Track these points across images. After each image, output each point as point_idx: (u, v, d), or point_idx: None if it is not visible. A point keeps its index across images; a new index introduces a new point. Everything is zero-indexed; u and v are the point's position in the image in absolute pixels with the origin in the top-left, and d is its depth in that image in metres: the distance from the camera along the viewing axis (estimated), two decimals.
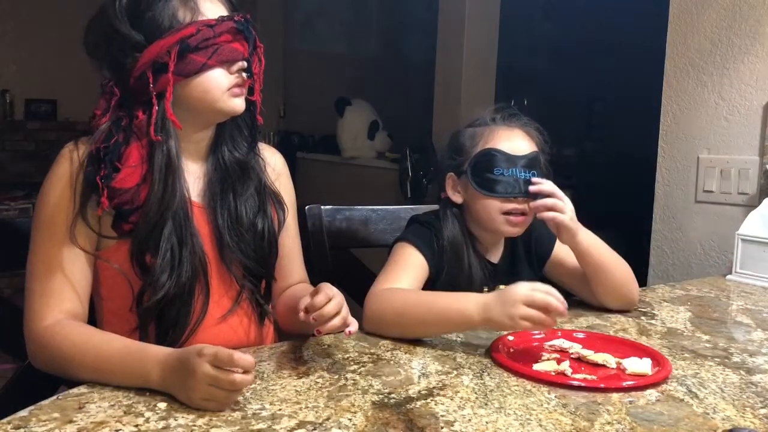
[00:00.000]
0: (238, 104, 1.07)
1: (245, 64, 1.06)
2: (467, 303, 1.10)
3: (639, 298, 1.39)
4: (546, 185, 1.25)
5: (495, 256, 1.36)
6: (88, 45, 1.06)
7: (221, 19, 1.03)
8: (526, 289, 1.04)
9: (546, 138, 1.32)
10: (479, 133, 1.30)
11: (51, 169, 1.04)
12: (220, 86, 1.04)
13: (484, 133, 1.29)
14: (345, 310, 0.99)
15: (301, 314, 0.97)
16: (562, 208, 1.24)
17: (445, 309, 1.12)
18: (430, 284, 1.28)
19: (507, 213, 1.26)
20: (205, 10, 1.04)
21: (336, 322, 0.97)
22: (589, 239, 1.29)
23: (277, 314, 1.21)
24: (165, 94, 1.02)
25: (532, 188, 1.25)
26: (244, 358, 0.83)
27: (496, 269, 1.35)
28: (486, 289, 1.33)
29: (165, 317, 1.04)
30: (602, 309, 1.36)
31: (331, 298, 0.97)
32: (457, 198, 1.32)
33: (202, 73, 1.03)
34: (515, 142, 1.27)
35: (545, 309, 1.02)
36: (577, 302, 1.39)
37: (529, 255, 1.39)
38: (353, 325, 1.01)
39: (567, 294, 1.31)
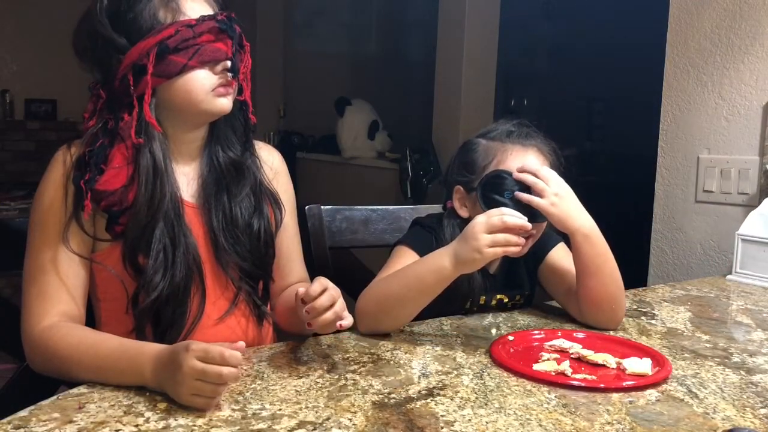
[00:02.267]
0: (224, 104, 1.06)
1: (229, 63, 1.04)
2: (436, 260, 1.12)
3: (623, 318, 1.26)
4: (531, 167, 1.20)
5: (493, 267, 1.36)
6: (77, 47, 1.06)
7: (202, 19, 1.02)
8: (482, 219, 1.08)
9: (561, 159, 1.30)
10: (492, 149, 1.28)
11: (45, 172, 1.04)
12: (204, 87, 1.03)
13: (498, 152, 1.27)
14: (339, 305, 0.99)
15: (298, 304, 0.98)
16: (540, 190, 1.18)
17: (418, 275, 1.13)
18: None
19: None
20: (188, 10, 1.03)
21: (328, 315, 0.98)
22: (589, 233, 1.20)
23: (277, 314, 1.21)
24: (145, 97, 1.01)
25: (517, 168, 1.21)
26: (234, 355, 0.83)
27: (493, 279, 1.35)
28: (483, 299, 1.33)
29: (161, 318, 1.04)
30: None
31: (326, 288, 0.97)
32: (463, 213, 1.30)
33: (183, 74, 1.02)
34: (528, 163, 1.23)
35: (507, 230, 1.06)
36: None
37: (527, 261, 1.38)
38: (347, 320, 1.01)
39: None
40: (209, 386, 0.82)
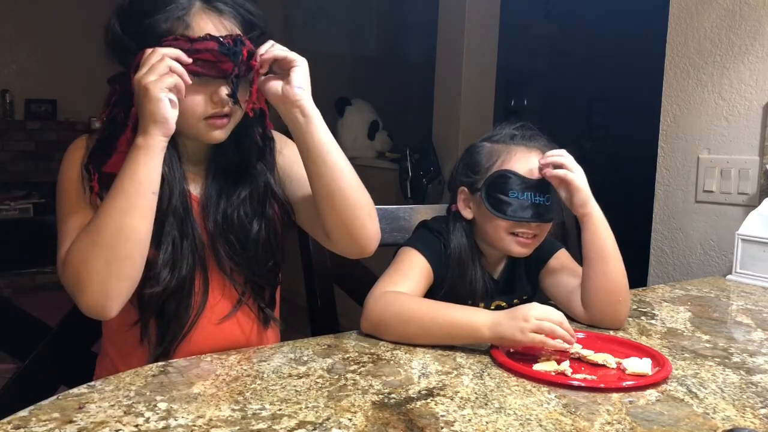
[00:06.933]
0: (217, 135, 1.05)
1: (224, 92, 1.01)
2: (477, 317, 1.09)
3: (626, 319, 1.27)
4: (555, 157, 1.24)
5: (497, 272, 1.36)
6: (106, 39, 1.07)
7: (204, 38, 0.99)
8: (540, 306, 1.06)
9: None
10: (496, 151, 1.29)
11: (65, 156, 1.06)
12: (195, 113, 1.02)
13: (502, 153, 1.28)
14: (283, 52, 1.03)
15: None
16: (569, 167, 1.22)
17: (453, 321, 1.10)
18: (431, 293, 1.26)
19: (517, 234, 1.26)
20: (197, 27, 1.00)
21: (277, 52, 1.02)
22: (602, 217, 1.24)
23: (326, 227, 1.15)
24: None
25: (542, 161, 1.24)
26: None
27: (496, 285, 1.35)
28: (482, 305, 1.33)
29: (165, 310, 1.05)
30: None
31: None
32: (467, 214, 1.31)
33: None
34: (532, 164, 1.25)
35: (557, 325, 1.04)
36: None
37: (528, 267, 1.38)
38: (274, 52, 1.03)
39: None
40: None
